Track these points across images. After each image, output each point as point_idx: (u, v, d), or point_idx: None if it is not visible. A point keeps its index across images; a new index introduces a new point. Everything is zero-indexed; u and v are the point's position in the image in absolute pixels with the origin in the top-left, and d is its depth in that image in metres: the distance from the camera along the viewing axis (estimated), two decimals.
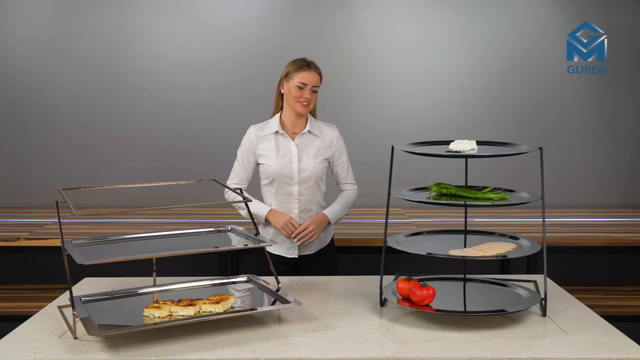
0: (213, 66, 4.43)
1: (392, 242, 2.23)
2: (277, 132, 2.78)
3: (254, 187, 2.89)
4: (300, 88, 2.69)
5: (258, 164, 2.83)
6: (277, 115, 2.81)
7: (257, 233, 2.25)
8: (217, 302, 2.04)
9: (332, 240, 2.94)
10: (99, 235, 2.27)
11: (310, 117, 2.82)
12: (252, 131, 2.81)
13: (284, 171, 2.74)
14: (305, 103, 2.70)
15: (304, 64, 2.71)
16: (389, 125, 4.45)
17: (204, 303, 2.04)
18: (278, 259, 2.81)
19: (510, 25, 4.41)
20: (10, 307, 3.50)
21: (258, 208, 2.76)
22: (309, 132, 2.78)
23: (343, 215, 2.84)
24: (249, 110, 4.45)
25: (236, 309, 2.07)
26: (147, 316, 2.00)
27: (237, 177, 2.83)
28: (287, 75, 2.73)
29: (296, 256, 2.82)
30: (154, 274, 2.36)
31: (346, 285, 2.50)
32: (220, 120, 4.46)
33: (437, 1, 4.42)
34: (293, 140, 2.77)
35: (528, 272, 3.58)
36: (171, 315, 2.00)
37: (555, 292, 2.39)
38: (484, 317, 2.07)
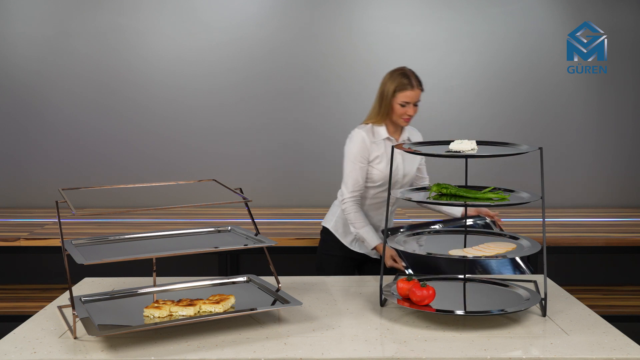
0: (213, 66, 4.43)
1: (392, 242, 2.23)
2: (388, 139, 2.82)
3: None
4: (403, 106, 2.74)
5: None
6: (383, 125, 2.82)
7: (257, 233, 2.25)
8: (217, 302, 2.04)
9: None
10: (99, 235, 2.27)
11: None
12: (364, 135, 2.80)
13: (394, 176, 2.81)
14: (408, 118, 2.76)
15: (407, 82, 2.73)
16: None
17: (204, 303, 2.04)
18: (347, 254, 2.95)
19: (510, 25, 4.41)
20: (10, 307, 3.50)
21: (369, 236, 2.76)
22: (409, 139, 2.87)
23: None
24: (249, 109, 4.47)
25: (236, 309, 2.07)
26: (147, 316, 2.00)
27: (359, 185, 2.80)
28: (392, 93, 2.75)
29: (378, 257, 2.91)
30: (154, 274, 2.36)
31: (346, 285, 2.50)
32: (221, 120, 4.46)
33: (437, 1, 4.41)
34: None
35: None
36: (171, 315, 2.00)
37: (555, 292, 2.39)
38: (484, 317, 2.07)
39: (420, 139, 2.94)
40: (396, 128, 2.86)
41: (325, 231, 3.01)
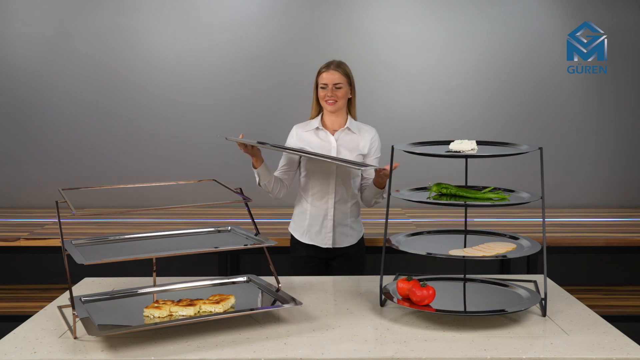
0: (213, 66, 4.43)
1: (392, 242, 2.23)
2: (317, 129, 2.94)
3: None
4: (323, 88, 2.87)
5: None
6: (319, 116, 2.97)
7: (257, 233, 2.25)
8: (217, 302, 2.04)
9: (362, 239, 3.07)
10: (99, 235, 2.27)
11: (350, 117, 2.97)
12: (295, 129, 3.00)
13: (327, 149, 2.90)
14: (331, 101, 2.87)
15: (324, 66, 2.90)
16: (389, 125, 4.44)
17: (204, 303, 2.04)
18: (312, 253, 2.96)
19: (510, 25, 4.41)
20: (10, 307, 3.50)
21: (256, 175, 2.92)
22: (348, 129, 2.94)
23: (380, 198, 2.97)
24: (248, 109, 4.47)
25: (236, 309, 2.07)
26: (147, 316, 2.00)
27: (282, 163, 2.99)
28: (315, 80, 2.92)
29: (330, 246, 2.95)
30: (154, 274, 2.36)
31: (346, 285, 2.50)
32: (221, 120, 4.46)
33: (437, 1, 4.41)
34: (333, 135, 2.94)
35: (528, 272, 3.58)
36: (171, 315, 2.00)
37: (555, 292, 2.39)
38: (484, 317, 2.07)
39: (373, 135, 2.97)
40: (337, 118, 2.94)
41: (291, 236, 3.07)
